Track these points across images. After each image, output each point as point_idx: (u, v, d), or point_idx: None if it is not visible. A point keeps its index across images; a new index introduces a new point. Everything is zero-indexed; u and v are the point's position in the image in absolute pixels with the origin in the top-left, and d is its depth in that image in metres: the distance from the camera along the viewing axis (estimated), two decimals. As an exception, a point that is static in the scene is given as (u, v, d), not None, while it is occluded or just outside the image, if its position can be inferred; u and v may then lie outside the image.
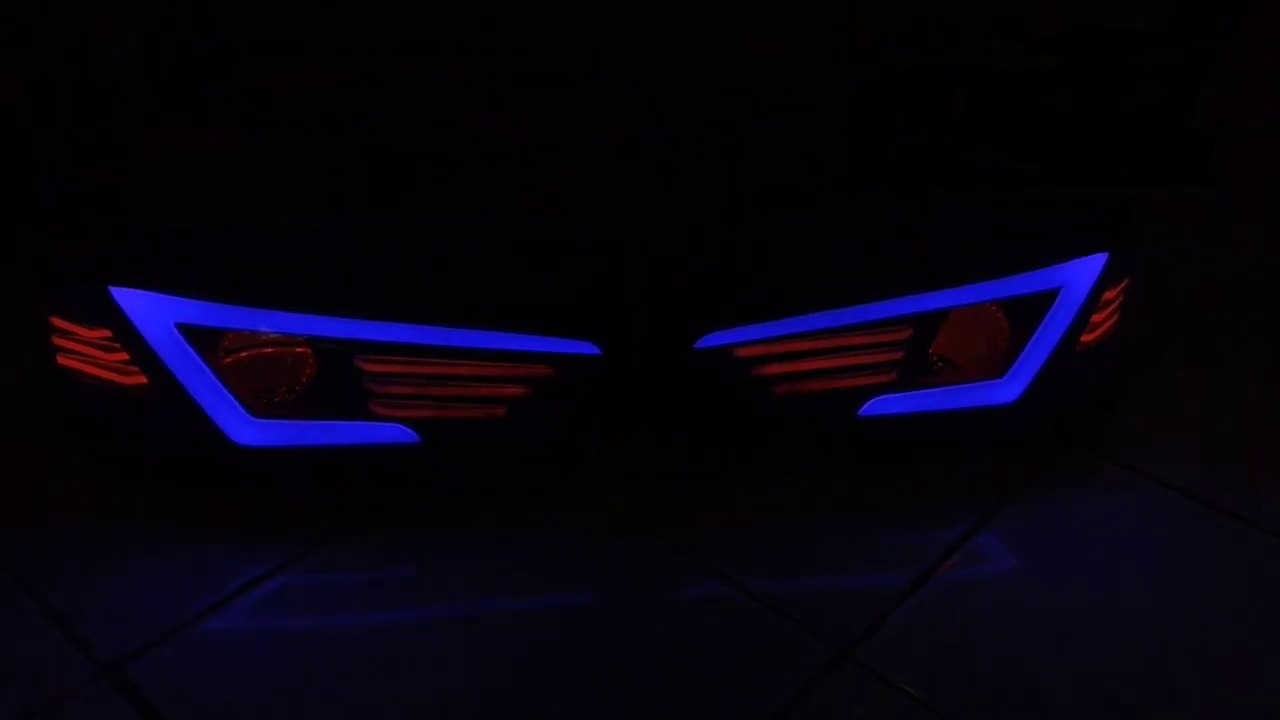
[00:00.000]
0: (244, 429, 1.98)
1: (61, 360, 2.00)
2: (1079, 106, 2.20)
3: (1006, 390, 2.16)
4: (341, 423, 2.01)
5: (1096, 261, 2.11)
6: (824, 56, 2.44)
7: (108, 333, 1.93)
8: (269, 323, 1.94)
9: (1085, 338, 2.15)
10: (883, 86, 2.17)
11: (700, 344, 2.03)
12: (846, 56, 2.40)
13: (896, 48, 2.34)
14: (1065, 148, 2.18)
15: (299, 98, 2.31)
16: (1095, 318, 2.15)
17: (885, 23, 2.44)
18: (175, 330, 1.91)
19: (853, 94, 2.24)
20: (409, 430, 2.02)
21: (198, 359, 1.93)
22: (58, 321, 1.97)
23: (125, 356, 1.94)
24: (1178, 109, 2.17)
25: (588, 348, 2.01)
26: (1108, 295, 2.15)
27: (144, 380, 1.95)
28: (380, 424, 2.02)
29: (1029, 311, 2.12)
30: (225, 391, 1.96)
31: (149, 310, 1.90)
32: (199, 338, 1.93)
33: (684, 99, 2.31)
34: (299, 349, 2.00)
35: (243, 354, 1.99)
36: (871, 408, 2.12)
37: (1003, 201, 2.18)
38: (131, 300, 1.90)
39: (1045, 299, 2.11)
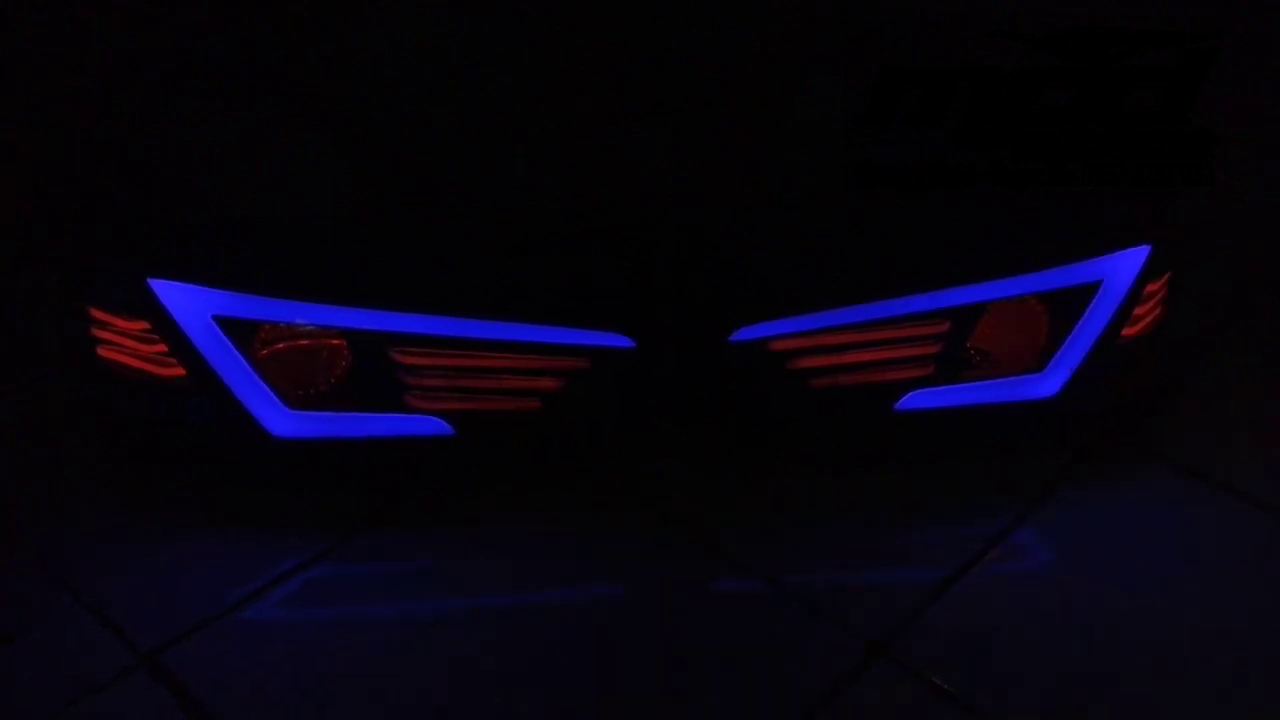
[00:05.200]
0: (280, 421, 1.99)
1: (100, 352, 2.01)
2: (1079, 106, 2.19)
3: (1046, 384, 2.13)
4: (377, 415, 2.02)
5: (1139, 254, 2.08)
6: (838, 55, 2.43)
7: (146, 324, 1.94)
8: (305, 315, 1.94)
9: (1128, 331, 2.12)
10: (882, 87, 2.16)
11: (735, 337, 2.02)
12: (849, 56, 2.39)
13: (896, 48, 2.33)
14: (1065, 148, 2.17)
15: (335, 92, 2.32)
16: (1138, 311, 2.12)
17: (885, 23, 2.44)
18: (212, 322, 1.92)
19: (852, 95, 2.23)
20: (443, 423, 2.02)
21: (234, 351, 1.94)
22: (96, 313, 1.98)
23: (163, 348, 1.95)
24: (1178, 109, 2.16)
25: (622, 341, 2.00)
26: (1150, 288, 2.12)
27: (181, 372, 1.96)
28: (415, 416, 2.02)
29: (1069, 305, 2.09)
30: (262, 383, 1.97)
31: (186, 302, 1.92)
32: (236, 330, 1.94)
33: (713, 96, 2.30)
34: (334, 341, 2.00)
35: (279, 346, 2.00)
36: (909, 401, 2.10)
37: (1042, 194, 2.15)
38: (169, 292, 1.91)
39: (1086, 292, 2.08)
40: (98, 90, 2.70)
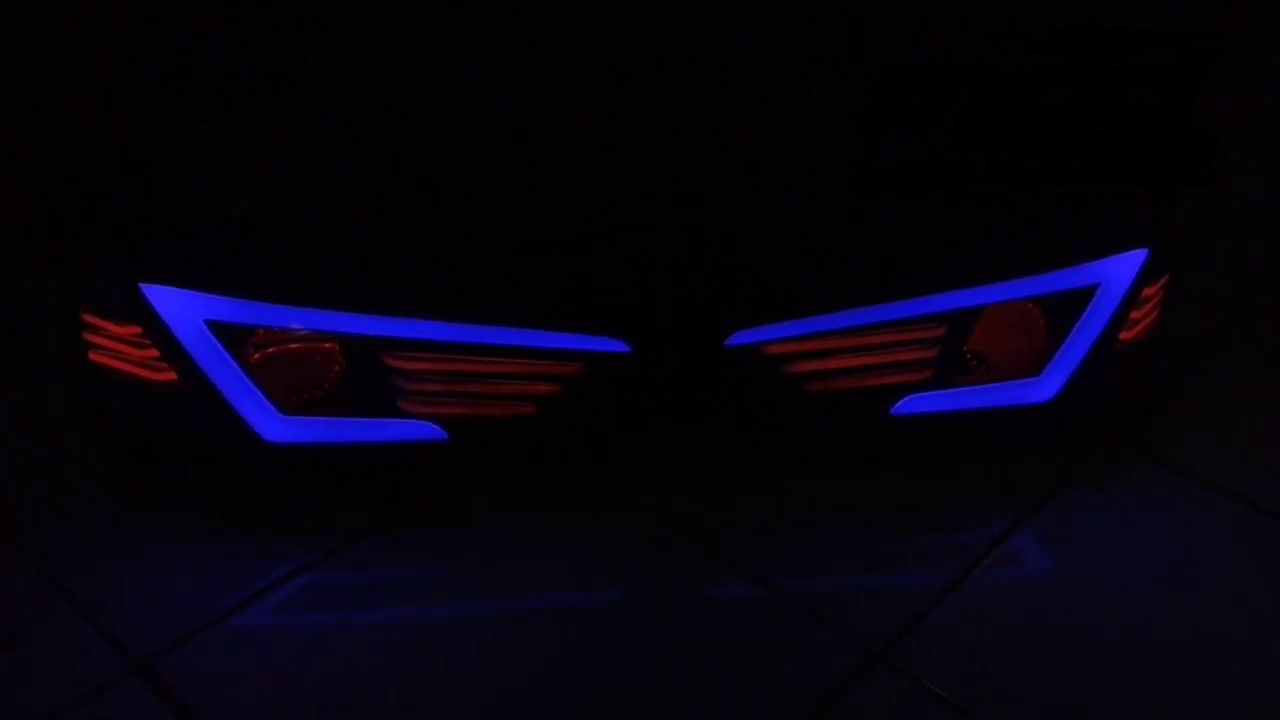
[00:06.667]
0: (273, 426, 1.99)
1: (92, 356, 2.01)
2: (1079, 106, 2.18)
3: (1042, 389, 2.12)
4: (370, 420, 2.01)
5: (1135, 258, 2.06)
6: (838, 55, 2.42)
7: (138, 329, 1.93)
8: (298, 319, 1.94)
9: (1124, 335, 2.11)
10: (882, 87, 2.15)
11: (731, 341, 2.01)
12: (849, 56, 2.39)
13: (896, 48, 2.32)
14: (1065, 148, 2.16)
15: (330, 94, 2.31)
16: (1134, 315, 2.11)
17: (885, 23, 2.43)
18: (205, 327, 1.92)
19: (852, 95, 2.23)
20: (438, 428, 2.01)
21: (227, 356, 1.94)
22: (88, 317, 1.98)
23: (155, 353, 1.95)
24: (1178, 109, 2.15)
25: (617, 345, 2.00)
26: (1147, 292, 2.10)
27: (174, 377, 1.96)
28: (409, 421, 2.01)
29: (1066, 308, 2.08)
30: (254, 388, 1.96)
31: (179, 307, 1.91)
32: (228, 334, 1.93)
33: (710, 99, 2.29)
34: (328, 346, 2.00)
35: (271, 350, 1.99)
36: (904, 406, 2.09)
37: (1039, 197, 2.14)
38: (162, 297, 1.91)
39: (1082, 296, 2.07)
40: (97, 90, 2.70)
